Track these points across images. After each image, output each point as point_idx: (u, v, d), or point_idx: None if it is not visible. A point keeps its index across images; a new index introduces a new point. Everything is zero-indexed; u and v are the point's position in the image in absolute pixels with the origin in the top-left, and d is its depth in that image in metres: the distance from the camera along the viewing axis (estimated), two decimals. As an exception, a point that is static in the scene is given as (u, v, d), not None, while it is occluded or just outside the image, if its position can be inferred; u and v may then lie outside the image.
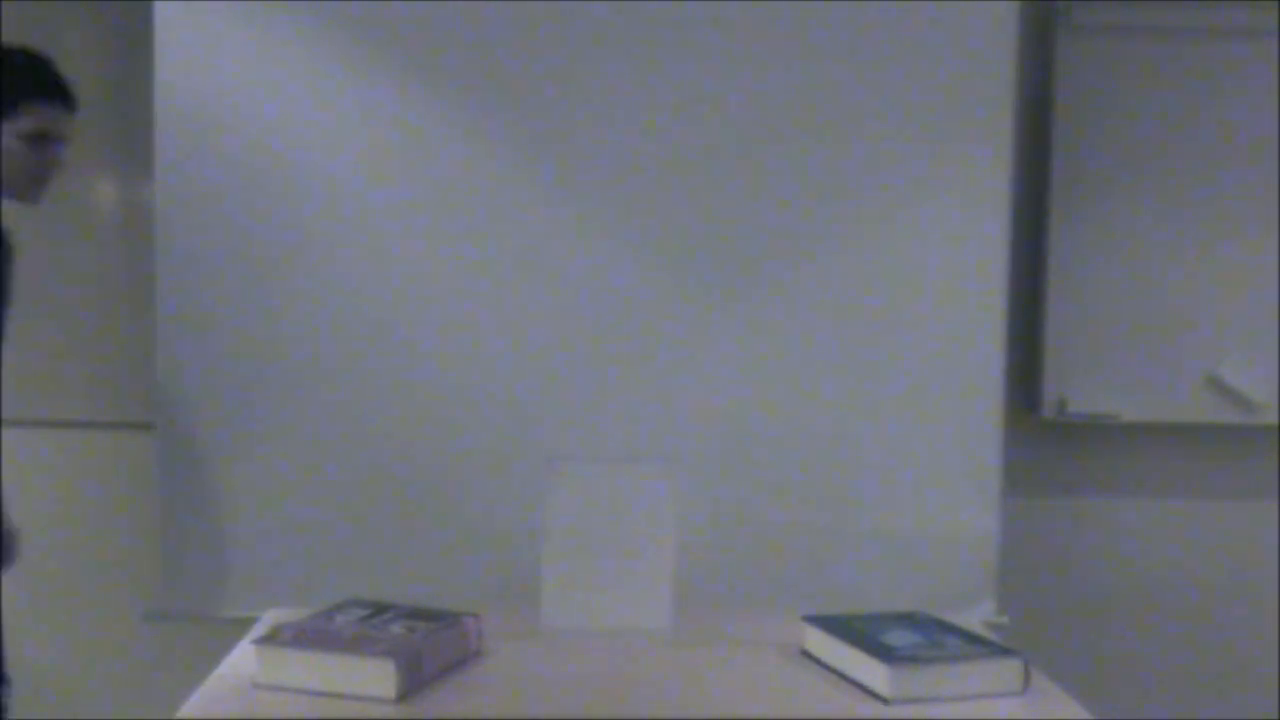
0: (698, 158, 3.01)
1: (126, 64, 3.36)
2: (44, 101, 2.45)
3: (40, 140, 2.44)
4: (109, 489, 3.47)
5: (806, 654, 2.07)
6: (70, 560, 3.49)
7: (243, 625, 2.26)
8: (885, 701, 1.84)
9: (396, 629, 1.95)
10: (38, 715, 3.49)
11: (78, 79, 3.35)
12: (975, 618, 2.51)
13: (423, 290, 3.07)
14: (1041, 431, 3.57)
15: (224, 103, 3.02)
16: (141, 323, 3.19)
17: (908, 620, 2.08)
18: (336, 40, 3.02)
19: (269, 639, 1.91)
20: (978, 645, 1.96)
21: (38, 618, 3.49)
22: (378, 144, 3.05)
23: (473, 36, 3.05)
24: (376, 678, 1.81)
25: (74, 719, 3.52)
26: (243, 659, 1.99)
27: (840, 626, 2.02)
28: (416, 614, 2.04)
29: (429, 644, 1.90)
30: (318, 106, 3.03)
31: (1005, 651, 1.94)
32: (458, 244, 3.05)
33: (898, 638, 1.96)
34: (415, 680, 1.85)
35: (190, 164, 3.01)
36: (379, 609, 2.06)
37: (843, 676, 1.95)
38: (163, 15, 2.99)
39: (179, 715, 1.78)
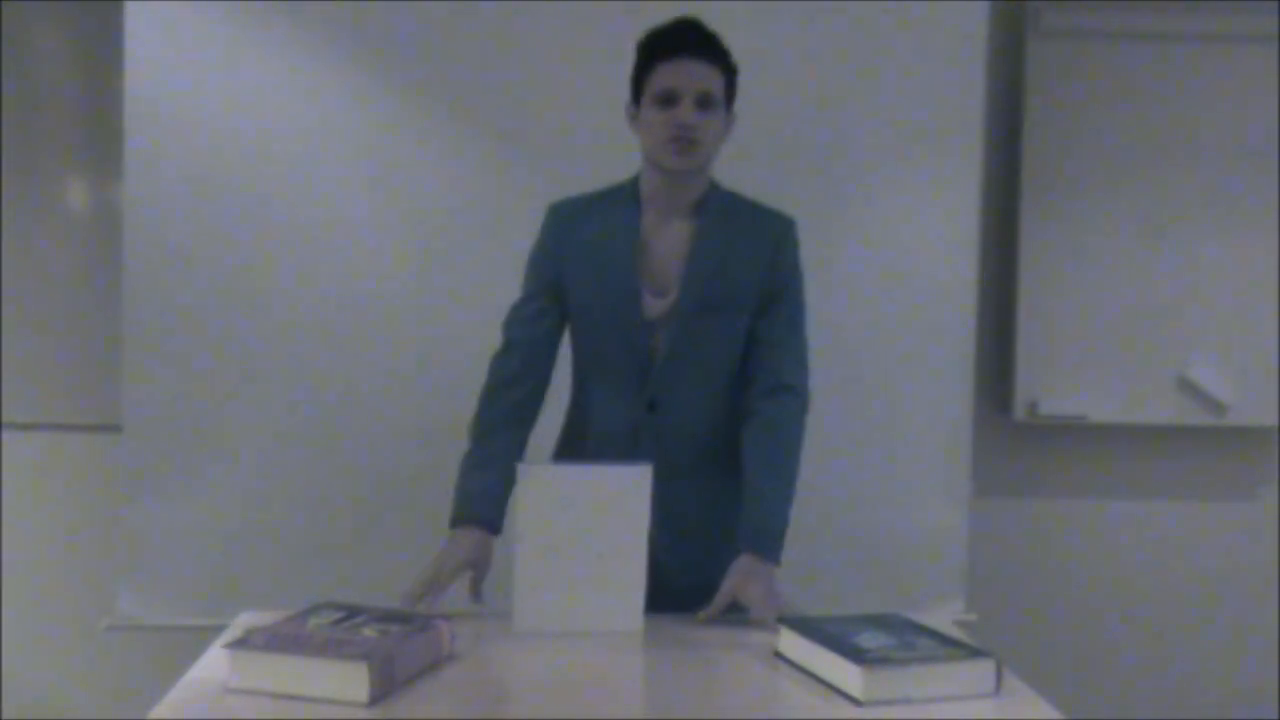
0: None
1: (96, 64, 3.34)
2: (657, 61, 2.30)
3: (666, 101, 2.29)
4: (79, 490, 3.45)
5: (779, 655, 2.07)
6: (39, 562, 3.47)
7: (211, 632, 2.24)
8: (858, 703, 1.84)
9: (369, 632, 1.94)
10: (7, 718, 3.47)
11: (47, 80, 3.38)
12: (945, 617, 2.51)
13: (397, 292, 3.06)
14: (1012, 432, 3.59)
15: (194, 104, 3.01)
16: (110, 324, 3.17)
17: (880, 622, 2.08)
18: (307, 41, 3.01)
19: (241, 642, 1.90)
20: (950, 646, 1.97)
21: (6, 621, 3.46)
22: (350, 144, 3.05)
23: (450, 38, 3.05)
24: (349, 681, 1.80)
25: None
26: (214, 662, 1.98)
27: (813, 628, 2.02)
28: (389, 617, 2.03)
29: (402, 647, 1.89)
30: (288, 107, 3.02)
31: (978, 653, 1.95)
32: (432, 246, 3.04)
33: (870, 639, 1.96)
34: (388, 683, 1.84)
35: (160, 165, 3.01)
36: (351, 612, 2.05)
37: (815, 678, 1.95)
38: (133, 16, 2.98)
39: (149, 718, 1.77)
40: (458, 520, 2.32)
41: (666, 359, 2.38)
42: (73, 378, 3.42)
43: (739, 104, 2.41)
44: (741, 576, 2.28)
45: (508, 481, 2.31)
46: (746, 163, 3.07)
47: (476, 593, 2.31)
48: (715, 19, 3.04)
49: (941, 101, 3.12)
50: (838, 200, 3.13)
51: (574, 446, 2.48)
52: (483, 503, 2.32)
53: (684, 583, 2.32)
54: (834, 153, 3.12)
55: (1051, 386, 3.51)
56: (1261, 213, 3.49)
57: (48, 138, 3.40)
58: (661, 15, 3.00)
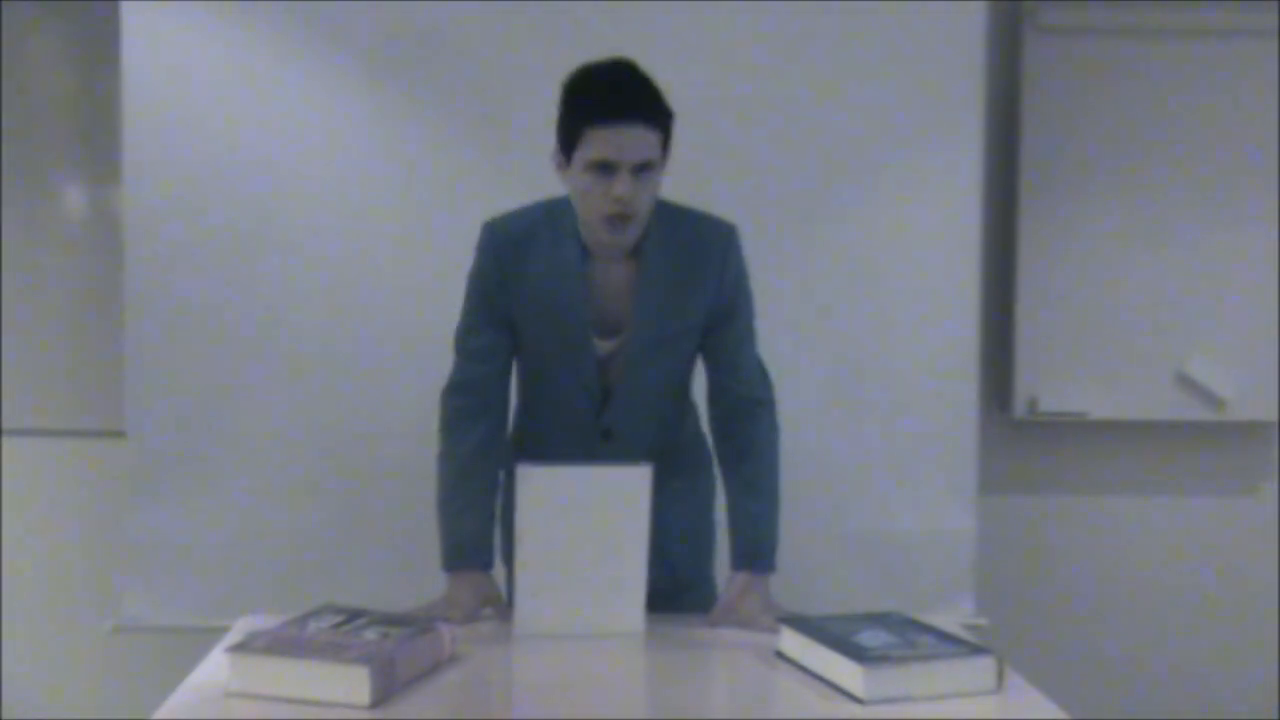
0: (679, 165, 2.99)
1: (93, 67, 3.34)
2: (589, 126, 2.11)
3: (602, 170, 2.13)
4: (82, 496, 3.45)
5: (781, 655, 2.07)
6: (43, 568, 3.47)
7: (215, 635, 2.25)
8: (860, 702, 1.84)
9: (370, 635, 1.94)
10: (10, 722, 3.48)
11: (45, 83, 3.38)
12: (954, 617, 2.52)
13: (397, 293, 3.06)
14: (1012, 430, 3.59)
15: (192, 106, 3.01)
16: (112, 330, 3.17)
17: (882, 620, 2.08)
18: (306, 41, 3.01)
19: (242, 646, 1.90)
20: (952, 644, 1.97)
21: (10, 625, 3.47)
22: (350, 147, 3.04)
23: (446, 37, 3.04)
24: (350, 684, 1.80)
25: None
26: (215, 666, 1.98)
27: (815, 627, 2.02)
28: (390, 620, 2.03)
29: (402, 650, 1.89)
30: (287, 108, 3.02)
31: (979, 650, 1.95)
32: (432, 246, 3.04)
33: (872, 638, 1.96)
34: (388, 687, 1.84)
35: (159, 168, 3.00)
36: (352, 615, 2.05)
37: (818, 677, 1.95)
38: (130, 18, 2.97)
39: (151, 723, 1.77)
40: (452, 569, 2.32)
41: (620, 392, 2.36)
42: (75, 384, 3.42)
43: (744, 94, 2.39)
44: (738, 592, 2.31)
45: (491, 519, 2.36)
46: (746, 162, 3.09)
47: (505, 614, 2.31)
48: (714, 19, 3.06)
49: (941, 99, 3.12)
50: (837, 200, 3.12)
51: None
52: (474, 551, 2.33)
53: (652, 589, 2.30)
54: (833, 151, 3.12)
55: (1051, 383, 3.50)
56: (1260, 208, 3.48)
57: (46, 141, 3.39)
58: (658, 15, 3.04)
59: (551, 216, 2.32)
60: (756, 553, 2.34)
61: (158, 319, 3.01)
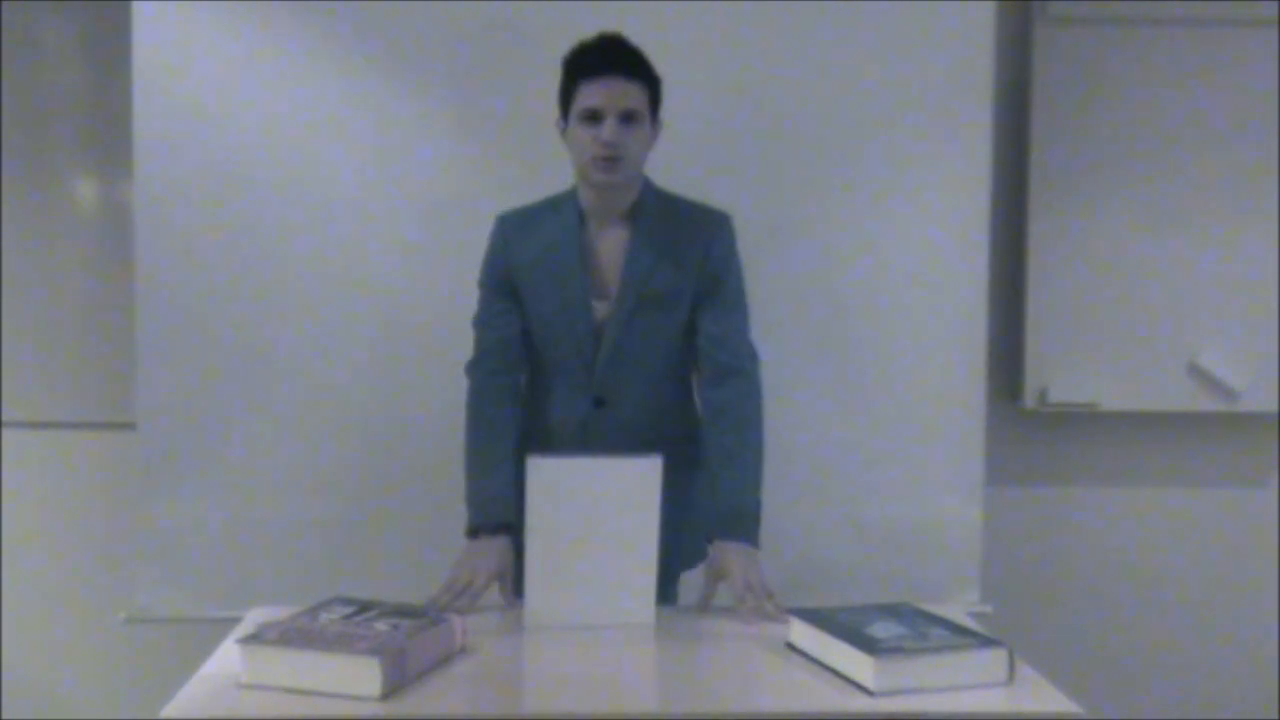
0: (683, 158, 3.00)
1: (105, 63, 3.35)
2: (581, 79, 2.38)
3: (592, 118, 2.37)
4: (93, 488, 3.46)
5: (791, 647, 2.07)
6: (54, 560, 3.48)
7: (227, 625, 2.25)
8: (871, 694, 1.84)
9: (380, 626, 1.94)
10: (21, 715, 3.48)
11: (56, 78, 3.39)
12: (959, 607, 2.51)
13: (406, 287, 3.06)
14: (1023, 420, 3.58)
15: (202, 101, 3.01)
16: (124, 322, 3.18)
17: (892, 612, 2.08)
18: (315, 37, 3.01)
19: (253, 638, 1.90)
20: (963, 636, 1.97)
21: (21, 616, 3.48)
22: (359, 140, 3.05)
23: (455, 32, 3.04)
24: (361, 676, 1.81)
25: (58, 719, 3.51)
26: (227, 658, 1.99)
27: (825, 619, 2.02)
28: (400, 611, 2.03)
29: (413, 641, 1.90)
30: (296, 103, 3.02)
31: (990, 642, 1.95)
32: (441, 240, 3.04)
33: (882, 630, 1.96)
34: (399, 678, 1.85)
35: (169, 163, 3.01)
36: (363, 607, 2.05)
37: (828, 669, 1.95)
38: (141, 14, 2.98)
39: (163, 715, 1.77)
40: (480, 529, 2.40)
41: (610, 357, 2.49)
42: (86, 377, 3.43)
43: (753, 86, 2.39)
44: (719, 554, 2.36)
45: (519, 482, 2.37)
46: (756, 153, 3.08)
47: (510, 596, 2.36)
48: (718, 16, 3.06)
49: (950, 91, 3.11)
50: (847, 191, 3.12)
51: (525, 439, 2.52)
52: (503, 508, 2.40)
53: None
54: (841, 144, 3.11)
55: (1061, 374, 3.50)
56: (1273, 199, 3.47)
57: (57, 135, 3.40)
58: (665, 9, 3.03)
59: (554, 200, 2.54)
60: (730, 518, 2.40)
61: (168, 311, 3.02)
